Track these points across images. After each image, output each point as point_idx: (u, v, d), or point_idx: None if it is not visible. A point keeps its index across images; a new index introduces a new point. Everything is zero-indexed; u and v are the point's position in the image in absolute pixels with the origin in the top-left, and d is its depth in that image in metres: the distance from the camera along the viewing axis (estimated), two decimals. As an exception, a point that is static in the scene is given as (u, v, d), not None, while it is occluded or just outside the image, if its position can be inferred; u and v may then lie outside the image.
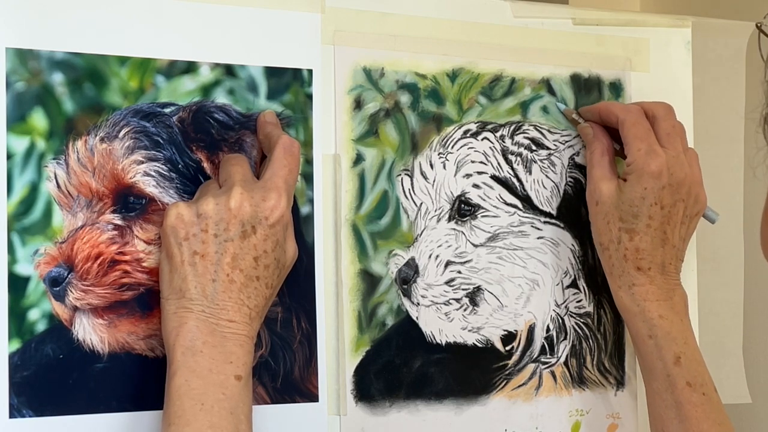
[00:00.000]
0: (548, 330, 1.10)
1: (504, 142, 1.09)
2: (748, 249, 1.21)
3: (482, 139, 1.08)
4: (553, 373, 1.10)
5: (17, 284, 0.90)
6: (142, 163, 0.93)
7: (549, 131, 1.11)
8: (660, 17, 1.18)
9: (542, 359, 1.10)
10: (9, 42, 0.90)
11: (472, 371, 1.07)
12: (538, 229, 1.10)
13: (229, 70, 0.98)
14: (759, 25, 1.01)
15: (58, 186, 0.91)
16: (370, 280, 1.03)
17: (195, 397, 0.85)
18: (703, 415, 1.03)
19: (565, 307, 1.11)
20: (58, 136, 0.91)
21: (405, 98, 1.05)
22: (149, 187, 0.94)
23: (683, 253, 1.08)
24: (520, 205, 1.09)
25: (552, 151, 1.10)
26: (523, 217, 1.09)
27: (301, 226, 0.99)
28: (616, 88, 1.14)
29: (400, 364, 1.04)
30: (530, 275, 1.09)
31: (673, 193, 1.04)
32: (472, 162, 1.07)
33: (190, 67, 0.96)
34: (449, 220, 1.06)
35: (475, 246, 1.07)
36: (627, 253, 1.05)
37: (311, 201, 1.00)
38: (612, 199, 1.05)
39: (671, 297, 1.06)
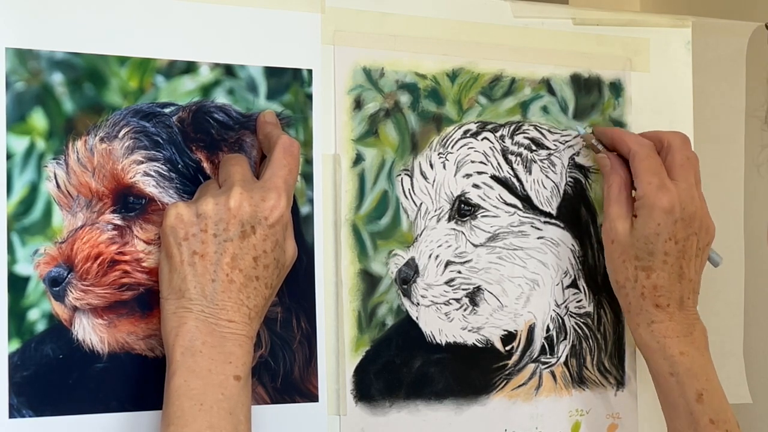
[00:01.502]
0: (548, 330, 1.10)
1: (504, 142, 1.09)
2: (748, 249, 1.21)
3: (482, 139, 1.08)
4: (553, 373, 1.10)
5: (17, 284, 0.90)
6: (142, 163, 0.93)
7: (549, 131, 1.11)
8: (660, 17, 1.18)
9: (542, 359, 1.10)
10: (9, 42, 0.90)
11: (472, 371, 1.07)
12: (538, 229, 1.10)
13: (229, 70, 0.98)
14: (767, 25, 1.02)
15: (58, 186, 0.91)
16: (370, 280, 1.03)
17: (194, 397, 0.85)
18: None
19: (565, 307, 1.11)
20: (58, 136, 0.91)
21: (405, 98, 1.05)
22: (149, 187, 0.94)
23: (698, 286, 1.07)
24: (520, 205, 1.09)
25: (552, 151, 1.10)
26: (523, 217, 1.09)
27: (301, 226, 0.99)
28: (616, 88, 1.14)
29: (400, 364, 1.04)
30: (530, 275, 1.09)
31: (686, 227, 1.04)
32: (472, 162, 1.07)
33: (190, 67, 0.96)
34: (449, 220, 1.06)
35: (475, 246, 1.07)
36: (645, 291, 1.04)
37: (311, 201, 1.00)
38: (627, 238, 1.04)
39: (691, 332, 1.05)
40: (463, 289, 1.06)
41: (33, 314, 0.90)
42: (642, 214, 1.03)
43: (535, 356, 1.09)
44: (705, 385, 1.03)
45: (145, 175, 0.93)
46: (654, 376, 1.06)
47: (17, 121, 0.90)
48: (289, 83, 1.00)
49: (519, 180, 1.09)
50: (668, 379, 1.04)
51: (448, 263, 1.05)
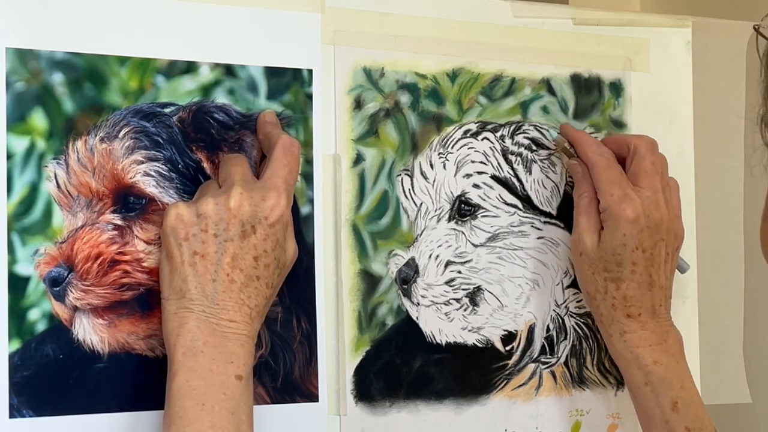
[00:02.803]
0: (548, 330, 1.10)
1: (504, 142, 1.09)
2: (748, 249, 1.21)
3: (482, 139, 1.08)
4: (553, 373, 1.10)
5: (17, 284, 0.89)
6: (142, 163, 0.93)
7: (549, 131, 1.10)
8: (660, 17, 1.18)
9: (542, 359, 1.10)
10: (9, 42, 0.90)
11: (472, 371, 1.07)
12: (538, 229, 1.10)
13: (229, 70, 0.98)
14: (757, 27, 1.01)
15: (58, 186, 0.91)
16: (370, 280, 1.03)
17: (196, 397, 0.85)
18: None
19: (565, 307, 1.11)
20: (58, 136, 0.91)
21: (405, 98, 1.05)
22: (149, 187, 0.94)
23: (671, 292, 1.07)
24: (520, 205, 1.09)
25: (552, 151, 1.10)
26: (523, 217, 1.09)
27: (301, 226, 0.99)
28: (616, 88, 1.14)
29: (400, 364, 1.04)
30: (530, 275, 1.09)
31: (652, 234, 1.03)
32: (472, 162, 1.07)
33: (190, 67, 0.96)
34: (449, 220, 1.06)
35: (475, 246, 1.07)
36: (615, 302, 1.04)
37: (311, 201, 1.00)
38: (594, 251, 1.03)
39: (665, 340, 1.04)
40: (464, 289, 1.06)
41: (33, 314, 0.90)
42: (608, 226, 1.03)
43: (535, 356, 1.09)
44: (680, 393, 1.03)
45: (145, 175, 0.93)
46: (629, 386, 1.06)
47: (17, 121, 0.90)
48: (289, 83, 1.00)
49: (519, 180, 1.09)
50: (643, 389, 1.04)
51: (448, 263, 1.05)
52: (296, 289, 0.99)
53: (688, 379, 1.04)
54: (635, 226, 1.02)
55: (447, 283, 1.05)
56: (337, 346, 1.01)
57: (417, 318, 1.05)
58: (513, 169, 1.09)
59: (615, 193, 1.03)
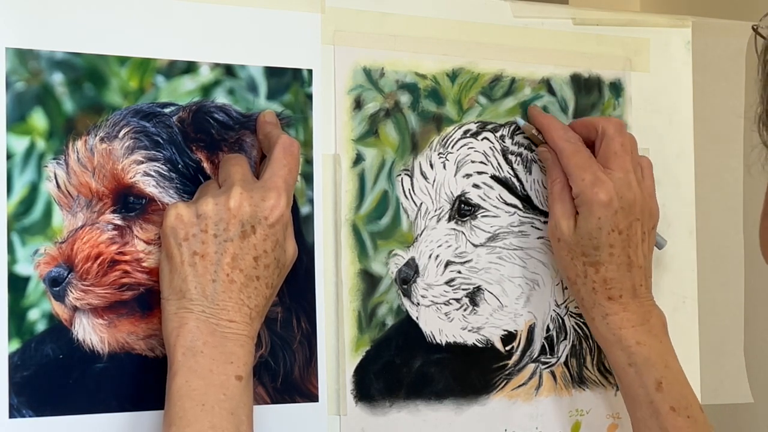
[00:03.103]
0: (548, 330, 1.10)
1: (504, 142, 1.09)
2: (748, 249, 1.21)
3: (482, 139, 1.08)
4: (553, 373, 1.10)
5: (17, 284, 0.89)
6: (142, 163, 0.93)
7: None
8: (660, 17, 1.18)
9: (542, 359, 1.10)
10: (9, 42, 0.90)
11: (472, 371, 1.07)
12: (538, 229, 1.10)
13: (229, 70, 0.98)
14: (755, 27, 1.01)
15: (58, 186, 0.91)
16: (370, 280, 1.03)
17: (196, 397, 0.85)
18: None
19: (565, 307, 1.11)
20: (58, 136, 0.91)
21: (405, 98, 1.05)
22: (149, 187, 0.94)
23: (650, 271, 1.07)
24: (520, 205, 1.09)
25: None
26: (523, 217, 1.09)
27: (301, 226, 0.99)
28: (616, 88, 1.14)
29: (400, 364, 1.04)
30: (530, 275, 1.09)
31: (627, 215, 1.03)
32: (472, 162, 1.07)
33: (190, 67, 0.96)
34: (449, 220, 1.06)
35: (475, 246, 1.07)
36: (595, 285, 1.04)
37: (311, 201, 1.00)
38: (571, 236, 1.03)
39: (648, 320, 1.04)
40: (463, 289, 1.06)
41: (33, 314, 0.90)
42: (582, 211, 1.03)
43: (535, 356, 1.09)
44: (664, 372, 1.03)
45: (145, 175, 0.93)
46: (614, 368, 1.06)
47: (17, 121, 0.90)
48: (289, 83, 1.00)
49: (519, 180, 1.09)
50: (627, 370, 1.04)
51: (448, 263, 1.05)
52: (296, 289, 0.99)
53: (672, 358, 1.04)
54: (609, 209, 1.02)
55: (447, 283, 1.05)
56: (337, 346, 1.01)
57: (417, 318, 1.05)
58: (513, 169, 1.09)
59: (586, 178, 1.02)
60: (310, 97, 1.01)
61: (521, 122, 1.08)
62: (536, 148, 1.08)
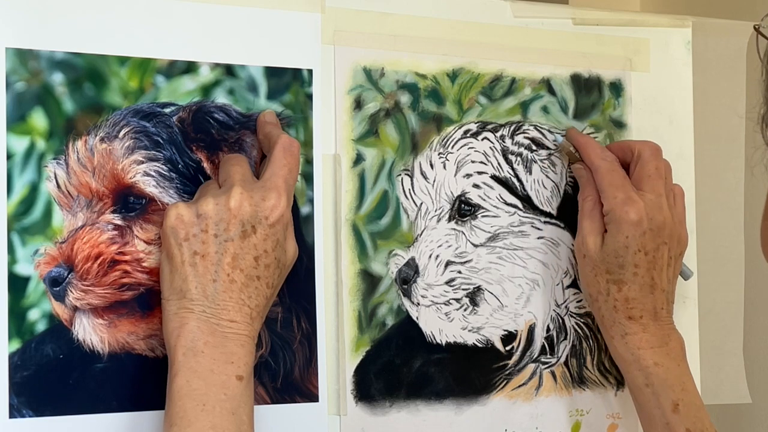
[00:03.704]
0: (548, 330, 1.10)
1: (504, 142, 1.09)
2: (748, 249, 1.21)
3: (482, 139, 1.08)
4: (553, 373, 1.10)
5: (17, 284, 0.89)
6: (142, 163, 0.93)
7: (549, 131, 1.11)
8: (660, 17, 1.18)
9: (542, 359, 1.10)
10: (9, 42, 0.90)
11: (472, 371, 1.07)
12: (538, 229, 1.10)
13: (229, 70, 0.98)
14: (757, 26, 1.01)
15: (58, 186, 0.91)
16: (370, 280, 1.03)
17: (196, 397, 0.85)
18: None
19: (566, 307, 1.11)
20: (58, 136, 0.91)
21: (405, 98, 1.05)
22: (149, 187, 0.94)
23: (673, 296, 1.07)
24: (520, 205, 1.09)
25: (552, 151, 1.10)
26: (523, 217, 1.09)
27: (301, 226, 0.99)
28: (616, 88, 1.14)
29: (400, 364, 1.04)
30: (530, 275, 1.09)
31: (654, 237, 1.03)
32: (473, 162, 1.07)
33: (190, 67, 0.96)
34: (449, 220, 1.06)
35: (475, 246, 1.07)
36: (617, 303, 1.04)
37: (311, 201, 1.00)
38: (597, 253, 1.04)
39: (666, 343, 1.05)
40: (464, 289, 1.06)
41: (33, 314, 0.90)
42: (611, 228, 1.03)
43: (535, 356, 1.09)
44: (681, 395, 1.03)
45: (145, 175, 0.93)
46: (630, 388, 1.06)
47: (17, 121, 0.90)
48: (289, 83, 1.00)
49: (519, 180, 1.09)
50: (644, 390, 1.04)
51: (448, 263, 1.05)
52: (296, 289, 0.99)
53: (689, 381, 1.04)
54: (638, 229, 1.02)
55: (447, 283, 1.05)
56: (337, 346, 1.01)
57: (417, 318, 1.05)
58: (513, 169, 1.09)
59: (618, 196, 1.03)
60: (310, 97, 1.01)
61: (559, 139, 1.09)
62: (572, 165, 1.09)
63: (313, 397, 0.99)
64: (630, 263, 1.03)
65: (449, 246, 1.06)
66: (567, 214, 1.10)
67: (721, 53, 1.20)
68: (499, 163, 1.08)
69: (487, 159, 1.08)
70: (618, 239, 1.03)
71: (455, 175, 1.06)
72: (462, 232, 1.06)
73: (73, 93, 0.92)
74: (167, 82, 0.95)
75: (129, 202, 0.93)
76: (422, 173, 1.05)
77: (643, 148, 1.07)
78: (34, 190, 0.91)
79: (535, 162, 1.09)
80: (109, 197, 0.93)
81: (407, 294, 1.04)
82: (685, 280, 1.10)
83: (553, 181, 1.10)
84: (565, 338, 1.11)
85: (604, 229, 1.05)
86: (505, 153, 1.09)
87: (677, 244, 1.06)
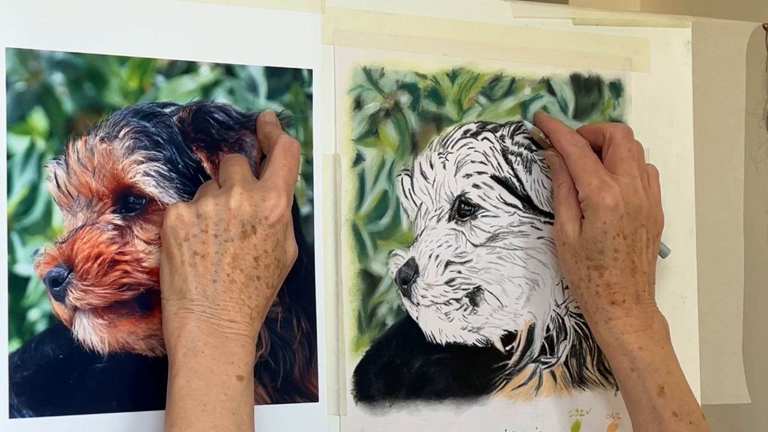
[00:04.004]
0: (548, 330, 1.10)
1: (504, 142, 1.09)
2: (748, 249, 1.21)
3: (482, 139, 1.08)
4: (553, 373, 1.10)
5: (17, 284, 0.89)
6: (142, 163, 0.93)
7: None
8: (660, 17, 1.18)
9: (542, 359, 1.10)
10: (9, 42, 0.90)
11: (472, 371, 1.07)
12: (538, 229, 1.10)
13: (229, 70, 0.98)
14: (765, 25, 1.01)
15: (58, 186, 0.91)
16: (370, 280, 1.03)
17: (197, 398, 0.85)
18: None
19: (565, 307, 1.11)
20: (58, 136, 0.91)
21: (405, 98, 1.05)
22: (149, 187, 0.94)
23: (654, 277, 1.07)
24: (520, 205, 1.09)
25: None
26: (523, 217, 1.09)
27: (301, 226, 0.99)
28: (616, 88, 1.14)
29: (400, 364, 1.04)
30: (530, 275, 1.09)
31: (632, 220, 1.03)
32: (472, 162, 1.07)
33: (190, 67, 0.96)
34: (449, 220, 1.06)
35: (475, 246, 1.07)
36: (599, 289, 1.04)
37: (311, 201, 1.00)
38: (576, 240, 1.04)
39: (650, 326, 1.04)
40: (463, 289, 1.06)
41: (33, 314, 0.90)
42: (588, 214, 1.03)
43: (535, 356, 1.09)
44: (666, 378, 1.03)
45: (145, 175, 0.93)
46: (616, 373, 1.06)
47: (17, 121, 0.90)
48: (289, 83, 1.00)
49: (519, 180, 1.09)
50: (629, 375, 1.04)
51: (448, 263, 1.05)
52: (296, 289, 0.99)
53: (674, 364, 1.04)
54: (615, 213, 1.02)
55: (447, 283, 1.05)
56: (337, 346, 1.01)
57: (417, 318, 1.05)
58: (513, 169, 1.09)
59: (593, 182, 1.03)
60: (310, 97, 1.01)
61: (529, 126, 1.08)
62: (543, 151, 1.08)
63: (313, 397, 0.99)
64: (609, 248, 1.03)
65: (449, 246, 1.06)
66: (567, 214, 1.10)
67: (721, 53, 1.20)
68: (498, 163, 1.08)
69: (487, 159, 1.08)
70: (596, 225, 1.02)
71: (455, 175, 1.06)
72: (462, 232, 1.06)
73: (73, 93, 0.92)
74: (167, 82, 0.95)
75: (129, 202, 0.93)
76: (422, 173, 1.05)
77: (615, 130, 1.06)
78: (34, 190, 0.91)
79: (535, 162, 1.09)
80: (109, 197, 0.93)
81: (407, 294, 1.04)
82: (663, 257, 1.10)
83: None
84: (565, 338, 1.11)
85: (581, 215, 1.04)
86: (505, 153, 1.09)
87: (654, 225, 1.05)
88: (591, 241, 1.03)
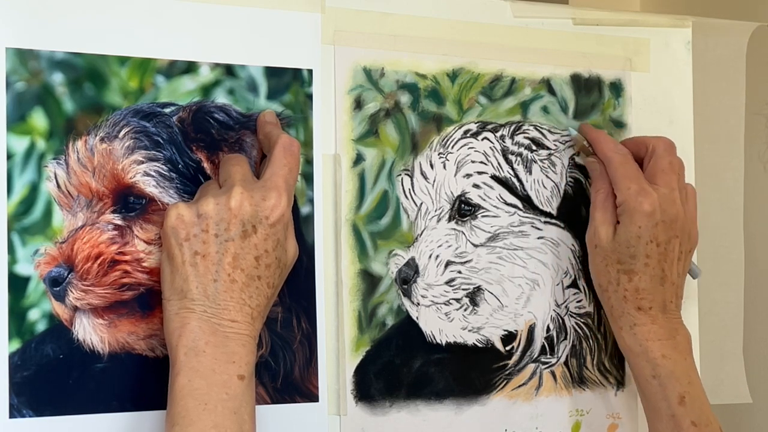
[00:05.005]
0: (548, 330, 1.10)
1: (504, 142, 1.09)
2: (748, 249, 1.21)
3: (482, 139, 1.08)
4: (553, 373, 1.10)
5: (17, 284, 0.89)
6: (142, 163, 0.93)
7: (549, 131, 1.11)
8: (660, 17, 1.18)
9: (542, 359, 1.10)
10: (9, 42, 0.90)
11: (472, 371, 1.07)
12: (539, 229, 1.10)
13: (229, 70, 0.98)
14: None
15: (58, 186, 0.91)
16: (370, 280, 1.03)
17: (198, 397, 0.85)
18: None
19: (566, 307, 1.11)
20: (58, 136, 0.91)
21: (405, 98, 1.05)
22: (149, 187, 0.94)
23: (682, 290, 1.07)
24: (520, 205, 1.09)
25: (552, 151, 1.10)
26: (523, 217, 1.09)
27: (301, 226, 0.99)
28: (616, 88, 1.14)
29: (400, 364, 1.04)
30: (530, 275, 1.09)
31: (666, 229, 1.04)
32: (473, 162, 1.07)
33: (190, 67, 0.96)
34: (449, 220, 1.06)
35: (475, 246, 1.07)
36: (627, 294, 1.04)
37: (311, 201, 1.00)
38: (609, 243, 1.05)
39: (674, 336, 1.05)
40: (464, 289, 1.06)
41: (33, 314, 0.90)
42: (623, 219, 1.04)
43: (535, 356, 1.09)
44: (687, 388, 1.03)
45: (145, 175, 0.93)
46: (636, 379, 1.06)
47: (17, 121, 0.90)
48: (290, 83, 1.00)
49: (519, 180, 1.09)
50: (650, 382, 1.04)
51: (448, 263, 1.05)
52: (296, 289, 0.99)
53: (695, 376, 1.05)
54: (651, 220, 1.03)
55: (447, 283, 1.05)
56: (337, 346, 1.01)
57: (417, 318, 1.05)
58: (513, 169, 1.09)
59: (632, 187, 1.04)
60: (310, 97, 1.01)
61: (573, 132, 1.10)
62: (585, 157, 1.09)
63: (313, 397, 0.99)
64: (642, 253, 1.03)
65: (449, 246, 1.06)
66: (567, 214, 1.10)
67: (721, 53, 1.20)
68: (499, 163, 1.08)
69: (487, 159, 1.08)
70: (631, 229, 1.03)
71: (455, 175, 1.06)
72: (462, 232, 1.06)
73: (73, 93, 0.92)
74: (167, 82, 0.95)
75: (129, 202, 0.93)
76: (422, 173, 1.05)
77: (657, 143, 1.07)
78: (34, 190, 0.91)
79: (535, 162, 1.09)
80: (109, 197, 0.93)
81: (407, 294, 1.04)
82: (694, 278, 1.11)
83: (553, 181, 1.10)
84: (565, 338, 1.11)
85: (616, 220, 1.05)
86: (505, 153, 1.09)
87: (688, 239, 1.06)
88: (624, 245, 1.03)
